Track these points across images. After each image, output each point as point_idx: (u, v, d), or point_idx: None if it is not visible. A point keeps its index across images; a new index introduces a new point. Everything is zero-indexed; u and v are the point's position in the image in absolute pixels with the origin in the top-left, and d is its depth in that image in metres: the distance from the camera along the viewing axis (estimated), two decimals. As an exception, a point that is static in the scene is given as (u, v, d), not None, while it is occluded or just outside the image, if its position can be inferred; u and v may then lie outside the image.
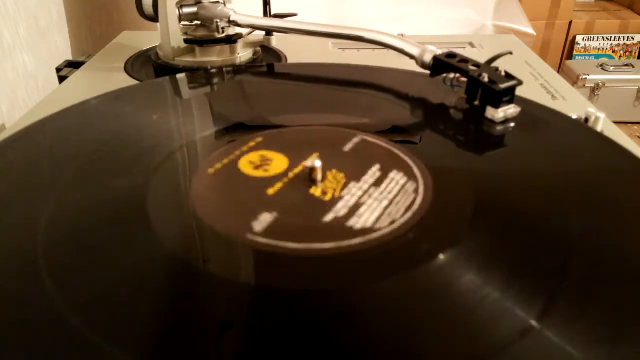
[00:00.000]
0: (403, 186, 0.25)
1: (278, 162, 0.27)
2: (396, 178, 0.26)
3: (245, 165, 0.27)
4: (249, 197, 0.24)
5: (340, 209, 0.23)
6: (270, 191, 0.25)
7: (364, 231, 0.22)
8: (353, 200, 0.24)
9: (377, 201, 0.24)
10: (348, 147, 0.28)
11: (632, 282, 0.19)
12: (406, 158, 0.28)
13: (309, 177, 0.25)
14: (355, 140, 0.29)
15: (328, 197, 0.24)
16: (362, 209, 0.23)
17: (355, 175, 0.26)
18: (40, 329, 0.17)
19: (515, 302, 0.18)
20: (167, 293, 0.19)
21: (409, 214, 0.23)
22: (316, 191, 0.25)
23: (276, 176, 0.26)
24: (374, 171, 0.26)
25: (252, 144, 0.29)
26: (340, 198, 0.24)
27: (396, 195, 0.24)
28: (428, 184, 0.25)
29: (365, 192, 0.25)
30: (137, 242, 0.22)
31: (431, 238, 0.22)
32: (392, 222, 0.22)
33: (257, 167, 0.26)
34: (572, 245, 0.21)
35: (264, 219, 0.23)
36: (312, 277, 0.20)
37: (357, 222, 0.22)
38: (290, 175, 0.26)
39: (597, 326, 0.17)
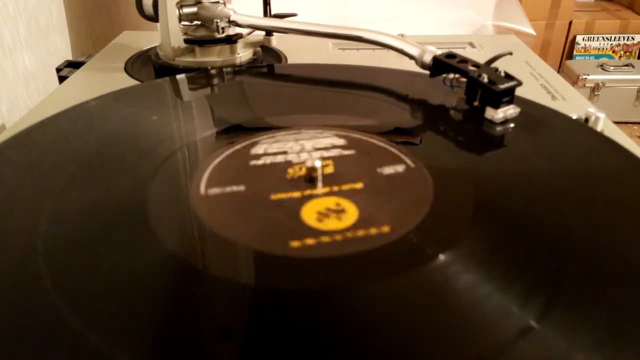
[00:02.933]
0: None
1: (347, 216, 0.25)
2: (391, 171, 0.26)
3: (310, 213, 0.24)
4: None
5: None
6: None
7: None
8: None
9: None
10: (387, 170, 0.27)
11: (632, 282, 0.19)
12: (395, 151, 0.28)
13: (308, 177, 0.25)
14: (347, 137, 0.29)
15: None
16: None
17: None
18: (39, 330, 0.17)
19: (515, 302, 0.18)
20: (168, 295, 0.19)
21: (408, 216, 0.23)
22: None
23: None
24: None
25: (215, 163, 0.27)
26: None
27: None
28: (428, 183, 0.25)
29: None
30: (136, 243, 0.22)
31: (431, 238, 0.22)
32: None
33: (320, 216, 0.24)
34: (572, 245, 0.21)
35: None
36: (311, 278, 0.20)
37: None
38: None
39: (597, 326, 0.17)
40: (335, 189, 0.25)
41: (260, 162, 0.27)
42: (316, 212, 0.23)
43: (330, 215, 0.23)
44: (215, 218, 0.23)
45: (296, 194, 0.24)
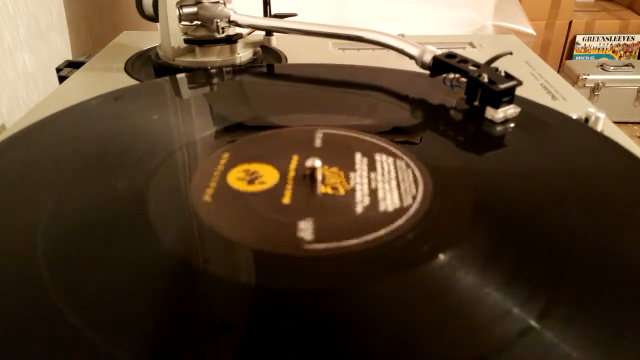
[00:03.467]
0: (395, 164, 0.26)
1: (267, 173, 0.26)
2: (383, 159, 0.27)
3: (237, 182, 0.26)
4: (269, 212, 0.23)
5: (363, 199, 0.24)
6: (285, 200, 0.24)
7: (400, 211, 0.23)
8: (366, 188, 0.25)
9: (386, 182, 0.25)
10: (317, 142, 0.29)
11: (632, 282, 0.19)
12: (373, 140, 0.29)
13: (309, 177, 0.25)
14: (319, 134, 0.30)
15: (342, 192, 0.25)
16: (380, 193, 0.24)
17: (347, 165, 0.26)
18: (40, 329, 0.17)
19: (515, 302, 0.18)
20: (168, 293, 0.19)
21: (408, 215, 0.23)
22: (327, 189, 0.25)
23: (278, 185, 0.25)
24: (360, 158, 0.27)
25: (223, 160, 0.27)
26: (353, 189, 0.25)
27: (397, 174, 0.25)
28: (428, 184, 0.25)
29: (369, 177, 0.25)
30: (137, 242, 0.22)
31: (431, 238, 0.22)
32: (412, 202, 0.23)
33: (250, 182, 0.25)
34: (572, 245, 0.21)
35: (306, 227, 0.22)
36: (311, 277, 0.20)
37: (387, 205, 0.23)
38: (290, 181, 0.26)
39: (597, 326, 0.17)
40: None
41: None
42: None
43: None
44: (218, 219, 0.23)
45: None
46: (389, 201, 0.24)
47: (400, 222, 0.23)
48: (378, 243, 0.21)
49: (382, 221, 0.23)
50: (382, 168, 0.26)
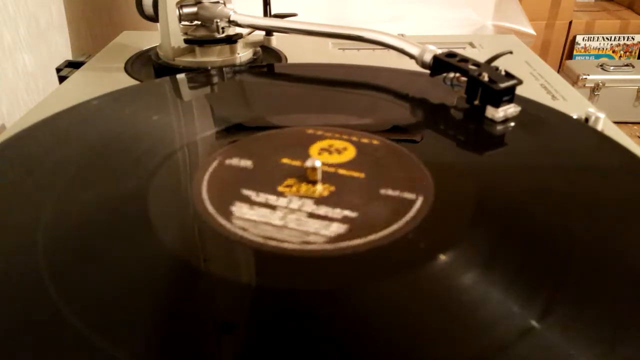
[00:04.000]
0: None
1: (342, 156, 0.27)
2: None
3: (317, 146, 0.27)
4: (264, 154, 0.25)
5: (261, 197, 0.24)
6: (284, 160, 0.25)
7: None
8: (276, 203, 0.24)
9: (280, 218, 0.23)
10: (389, 192, 0.27)
11: (632, 282, 0.19)
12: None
13: (309, 177, 0.25)
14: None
15: (280, 189, 0.25)
16: (262, 210, 0.24)
17: (330, 201, 0.25)
18: (41, 329, 0.17)
19: (515, 302, 0.18)
20: (169, 293, 0.19)
21: (408, 215, 0.23)
22: (289, 181, 0.25)
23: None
24: (339, 213, 0.24)
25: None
26: (280, 195, 0.24)
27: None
28: (428, 183, 0.25)
29: (296, 210, 0.24)
30: (138, 242, 0.22)
31: (431, 238, 0.22)
32: (242, 229, 0.22)
33: (323, 150, 0.27)
34: (572, 244, 0.21)
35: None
36: (311, 277, 0.20)
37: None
38: (290, 181, 0.26)
39: (596, 326, 0.17)
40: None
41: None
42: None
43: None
44: (218, 218, 0.23)
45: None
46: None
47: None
48: (379, 243, 0.21)
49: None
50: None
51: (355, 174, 0.26)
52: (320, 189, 0.25)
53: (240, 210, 0.23)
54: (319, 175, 0.25)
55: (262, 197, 0.24)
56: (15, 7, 0.54)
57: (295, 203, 0.24)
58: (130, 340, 0.17)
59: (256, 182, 0.25)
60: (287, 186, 0.25)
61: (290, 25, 0.43)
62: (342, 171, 0.26)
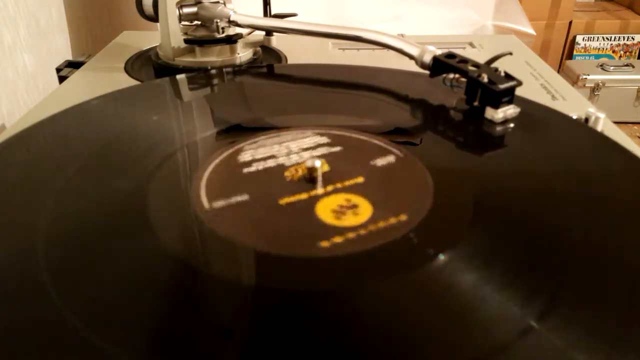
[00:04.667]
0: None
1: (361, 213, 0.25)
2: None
3: (325, 207, 0.25)
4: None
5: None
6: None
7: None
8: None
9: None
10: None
11: (632, 282, 0.19)
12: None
13: (308, 177, 0.25)
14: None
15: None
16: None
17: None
18: (40, 330, 0.17)
19: (515, 302, 0.18)
20: (168, 294, 0.19)
21: (408, 214, 0.23)
22: (327, 190, 0.25)
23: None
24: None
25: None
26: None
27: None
28: (428, 184, 0.25)
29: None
30: (137, 243, 0.22)
31: (431, 238, 0.22)
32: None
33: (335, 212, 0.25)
34: (572, 245, 0.21)
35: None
36: (311, 278, 0.20)
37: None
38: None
39: (597, 326, 0.17)
40: (339, 185, 0.25)
41: (252, 169, 0.27)
42: (331, 210, 0.23)
43: (346, 211, 0.23)
44: (227, 228, 0.23)
45: (303, 196, 0.24)
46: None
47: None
48: (379, 244, 0.21)
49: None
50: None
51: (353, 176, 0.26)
52: (322, 188, 0.25)
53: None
54: (319, 175, 0.25)
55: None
56: (15, 7, 0.54)
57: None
58: (132, 340, 0.17)
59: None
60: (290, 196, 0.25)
61: (290, 26, 0.43)
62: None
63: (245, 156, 0.28)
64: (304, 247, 0.21)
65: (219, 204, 0.24)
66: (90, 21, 0.73)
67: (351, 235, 0.22)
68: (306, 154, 0.28)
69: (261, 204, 0.24)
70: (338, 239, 0.21)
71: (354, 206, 0.23)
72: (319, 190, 0.25)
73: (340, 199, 0.24)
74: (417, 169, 0.26)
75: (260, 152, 0.28)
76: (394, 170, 0.26)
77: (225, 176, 0.26)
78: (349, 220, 0.23)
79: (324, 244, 0.21)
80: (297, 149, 0.28)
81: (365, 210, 0.23)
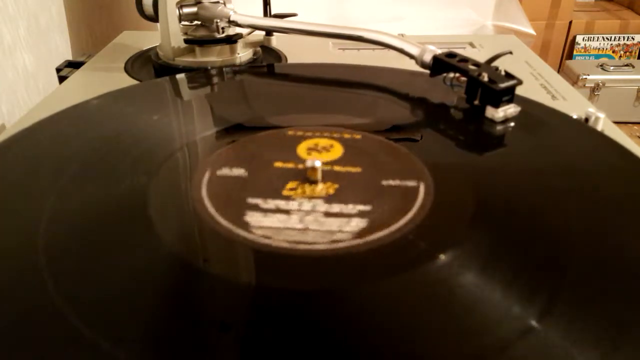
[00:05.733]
0: (334, 231, 0.23)
1: (331, 154, 0.27)
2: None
3: (305, 145, 0.27)
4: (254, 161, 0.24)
5: (271, 203, 0.24)
6: (277, 164, 0.25)
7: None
8: (289, 207, 0.24)
9: (298, 220, 0.23)
10: (390, 182, 0.27)
11: (632, 282, 0.19)
12: (373, 138, 0.28)
13: (308, 177, 0.25)
14: (410, 183, 0.29)
15: (286, 193, 0.25)
16: (277, 216, 0.23)
17: (340, 198, 0.25)
18: (40, 329, 0.17)
19: (515, 302, 0.18)
20: (168, 292, 0.19)
21: (408, 214, 0.23)
22: (291, 184, 0.25)
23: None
24: (354, 208, 0.24)
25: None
26: (289, 199, 0.24)
27: (315, 230, 0.23)
28: (428, 183, 0.25)
29: (310, 211, 0.24)
30: (137, 242, 0.22)
31: (431, 238, 0.22)
32: (266, 237, 0.22)
33: (311, 149, 0.27)
34: (572, 244, 0.21)
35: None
36: (310, 277, 0.20)
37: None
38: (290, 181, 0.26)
39: (597, 326, 0.17)
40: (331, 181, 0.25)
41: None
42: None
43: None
44: (218, 215, 0.23)
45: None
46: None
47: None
48: (379, 243, 0.21)
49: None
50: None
51: (352, 169, 0.26)
52: (324, 187, 0.25)
53: (255, 219, 0.23)
54: (320, 175, 0.25)
55: (271, 204, 0.24)
56: (15, 7, 0.54)
57: (307, 205, 0.24)
58: (130, 339, 0.17)
59: (258, 190, 0.25)
60: (291, 189, 0.25)
61: (290, 25, 0.43)
62: (337, 168, 0.26)
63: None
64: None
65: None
66: (90, 21, 0.73)
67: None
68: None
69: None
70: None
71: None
72: (316, 187, 0.25)
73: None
74: (422, 179, 0.26)
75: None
76: (399, 180, 0.26)
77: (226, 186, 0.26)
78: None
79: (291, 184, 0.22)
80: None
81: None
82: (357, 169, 0.26)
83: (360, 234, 0.22)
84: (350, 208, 0.24)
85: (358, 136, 0.29)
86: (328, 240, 0.21)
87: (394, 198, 0.24)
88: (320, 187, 0.25)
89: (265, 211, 0.23)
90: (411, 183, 0.25)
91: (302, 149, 0.28)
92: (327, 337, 0.17)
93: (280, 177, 0.26)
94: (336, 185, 0.25)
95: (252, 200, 0.24)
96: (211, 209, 0.23)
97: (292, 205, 0.24)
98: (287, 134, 0.30)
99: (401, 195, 0.24)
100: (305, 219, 0.23)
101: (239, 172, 0.26)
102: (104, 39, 0.70)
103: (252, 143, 0.29)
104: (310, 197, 0.24)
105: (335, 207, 0.24)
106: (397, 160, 0.27)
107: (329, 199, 0.24)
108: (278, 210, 0.23)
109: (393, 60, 0.44)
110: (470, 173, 0.27)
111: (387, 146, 0.29)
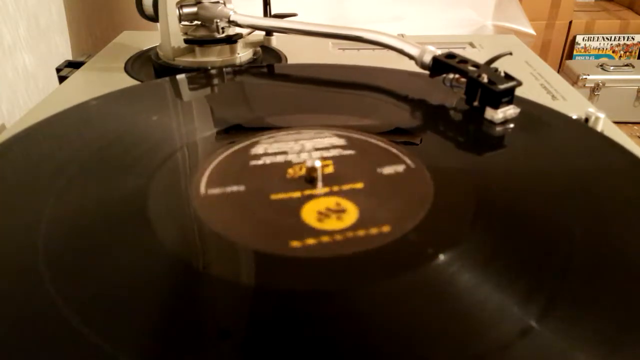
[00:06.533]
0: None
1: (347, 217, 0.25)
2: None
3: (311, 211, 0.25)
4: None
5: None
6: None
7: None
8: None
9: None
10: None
11: (632, 282, 0.19)
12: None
13: (308, 177, 0.25)
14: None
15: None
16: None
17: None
18: (40, 330, 0.17)
19: (515, 302, 0.18)
20: (167, 294, 0.19)
21: (408, 216, 0.23)
22: (327, 189, 0.25)
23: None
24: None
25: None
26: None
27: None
28: (428, 183, 0.25)
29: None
30: (137, 242, 0.22)
31: (431, 238, 0.22)
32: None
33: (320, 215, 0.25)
34: (573, 245, 0.21)
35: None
36: (311, 278, 0.20)
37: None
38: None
39: (597, 326, 0.17)
40: (336, 188, 0.25)
41: (260, 162, 0.27)
42: (316, 212, 0.23)
43: (330, 215, 0.23)
44: (215, 218, 0.23)
45: (296, 194, 0.24)
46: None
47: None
48: (379, 244, 0.21)
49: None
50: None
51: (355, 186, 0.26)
52: (321, 188, 0.25)
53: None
54: (319, 176, 0.25)
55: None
56: (15, 6, 0.54)
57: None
58: (130, 341, 0.17)
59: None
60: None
61: (290, 26, 0.43)
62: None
63: (259, 149, 0.28)
64: (273, 244, 0.21)
65: (215, 191, 0.24)
66: (90, 21, 0.73)
67: (325, 239, 0.21)
68: (317, 154, 0.28)
69: (253, 197, 0.24)
70: (311, 241, 0.21)
71: (341, 211, 0.23)
72: (315, 190, 0.25)
73: (330, 202, 0.24)
74: (422, 180, 0.26)
75: (274, 147, 0.29)
76: (399, 180, 0.26)
77: (230, 166, 0.27)
78: (331, 224, 0.22)
79: (295, 243, 0.21)
80: (310, 148, 0.28)
81: (350, 216, 0.23)
82: (360, 185, 0.26)
83: (364, 235, 0.22)
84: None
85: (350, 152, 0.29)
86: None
87: (395, 197, 0.24)
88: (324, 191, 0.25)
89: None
90: (411, 183, 0.25)
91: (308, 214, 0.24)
92: (327, 338, 0.17)
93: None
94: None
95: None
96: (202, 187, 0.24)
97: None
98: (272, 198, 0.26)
99: (401, 194, 0.24)
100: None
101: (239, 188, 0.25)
102: (104, 39, 0.70)
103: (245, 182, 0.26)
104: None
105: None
106: (389, 158, 0.27)
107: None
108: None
109: (393, 60, 0.44)
110: (470, 174, 0.27)
111: (383, 151, 0.29)
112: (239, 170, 0.26)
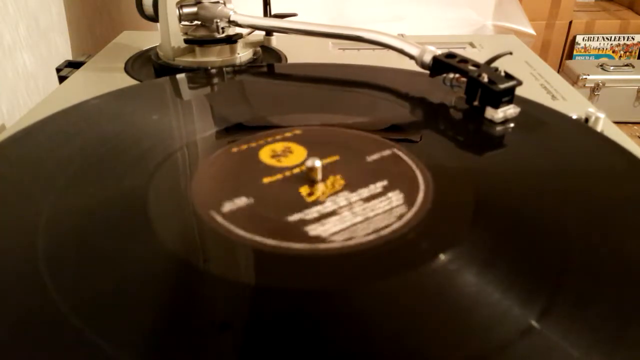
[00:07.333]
0: (391, 208, 0.23)
1: (295, 156, 0.27)
2: (392, 199, 0.24)
3: (266, 152, 0.28)
4: (242, 182, 0.25)
5: (312, 213, 0.23)
6: (266, 180, 0.25)
7: (314, 239, 0.21)
8: (331, 208, 0.23)
9: (353, 215, 0.23)
10: (373, 157, 0.28)
11: (632, 281, 0.19)
12: (373, 138, 0.29)
13: (307, 176, 0.25)
14: (385, 153, 0.28)
15: (311, 199, 0.24)
16: (332, 219, 0.23)
17: (355, 185, 0.25)
18: (40, 329, 0.17)
19: (515, 302, 0.18)
20: (167, 292, 0.19)
21: (407, 215, 0.23)
22: (304, 190, 0.25)
23: (283, 168, 0.26)
24: (377, 187, 0.25)
25: (288, 134, 0.30)
26: (321, 202, 0.24)
27: (376, 215, 0.23)
28: (428, 183, 0.25)
29: (350, 204, 0.24)
30: (136, 241, 0.22)
31: (431, 238, 0.22)
32: (348, 239, 0.22)
33: (274, 156, 0.27)
34: (572, 245, 0.21)
35: (238, 203, 0.23)
36: (312, 278, 0.20)
37: (314, 229, 0.22)
38: (295, 170, 0.26)
39: (597, 326, 0.17)
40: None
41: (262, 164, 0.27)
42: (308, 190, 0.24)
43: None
44: (215, 218, 0.23)
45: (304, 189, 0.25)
46: (323, 228, 0.23)
47: (400, 222, 0.23)
48: (379, 243, 0.21)
49: (382, 221, 0.23)
50: (376, 204, 0.25)
51: (332, 159, 0.27)
52: (334, 180, 0.25)
53: (320, 230, 0.22)
54: (319, 174, 0.25)
55: (314, 212, 0.23)
56: (15, 6, 0.54)
57: (341, 200, 0.24)
58: (130, 340, 0.17)
59: (283, 207, 0.24)
60: (310, 194, 0.24)
61: (290, 25, 0.43)
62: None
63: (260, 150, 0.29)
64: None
65: (214, 191, 0.24)
66: (90, 21, 0.73)
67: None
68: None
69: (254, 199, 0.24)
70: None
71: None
72: (316, 189, 0.25)
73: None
74: (422, 179, 0.26)
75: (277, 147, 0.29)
76: (399, 180, 0.26)
77: (230, 166, 0.27)
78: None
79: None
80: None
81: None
82: (336, 157, 0.27)
83: (357, 234, 0.22)
84: (373, 188, 0.25)
85: (298, 131, 0.30)
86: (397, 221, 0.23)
87: (395, 197, 0.24)
88: (331, 181, 0.25)
89: (319, 220, 0.23)
90: (411, 183, 0.25)
91: (265, 157, 0.28)
92: (327, 337, 0.17)
93: (287, 190, 0.25)
94: (340, 178, 0.26)
95: (292, 218, 0.23)
96: (257, 238, 0.22)
97: (330, 206, 0.24)
98: (233, 150, 0.28)
99: (382, 215, 0.24)
100: (355, 211, 0.23)
101: (242, 201, 0.24)
102: (104, 39, 0.70)
103: (221, 172, 0.27)
104: (334, 193, 0.24)
105: (364, 192, 0.24)
106: (376, 146, 0.27)
107: (351, 187, 0.25)
108: (328, 214, 0.23)
109: (393, 60, 0.44)
110: (470, 174, 0.27)
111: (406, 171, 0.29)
112: (239, 171, 0.26)
